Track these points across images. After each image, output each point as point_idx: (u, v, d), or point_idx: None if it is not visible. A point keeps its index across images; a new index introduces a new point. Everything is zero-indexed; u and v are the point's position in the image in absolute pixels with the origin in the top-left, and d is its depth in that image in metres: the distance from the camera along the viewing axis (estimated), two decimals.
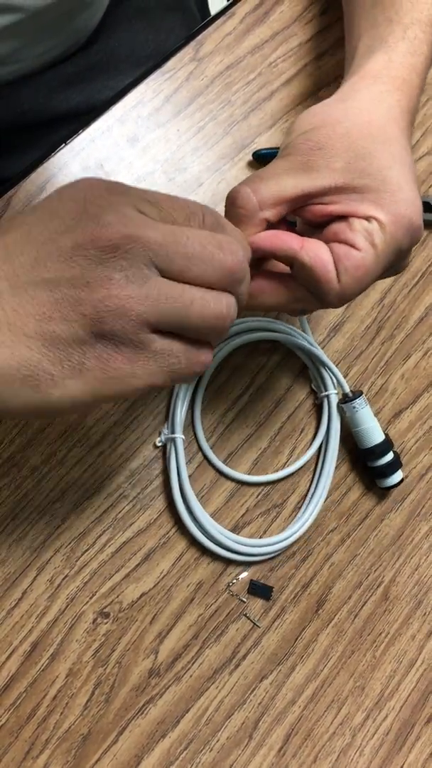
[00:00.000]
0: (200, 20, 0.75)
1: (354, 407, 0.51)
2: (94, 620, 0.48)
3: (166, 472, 0.50)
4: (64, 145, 0.53)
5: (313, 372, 0.53)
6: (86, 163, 0.54)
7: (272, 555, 0.51)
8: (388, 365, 0.56)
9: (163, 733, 0.48)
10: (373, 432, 0.51)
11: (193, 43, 0.58)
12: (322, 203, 0.38)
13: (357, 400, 0.51)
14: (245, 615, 0.50)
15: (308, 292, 0.38)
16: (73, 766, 0.46)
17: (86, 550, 0.49)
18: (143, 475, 0.50)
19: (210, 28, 0.58)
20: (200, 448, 0.51)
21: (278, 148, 0.43)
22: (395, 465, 0.52)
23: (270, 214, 0.38)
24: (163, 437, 0.50)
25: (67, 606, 0.48)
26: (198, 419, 0.51)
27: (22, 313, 0.31)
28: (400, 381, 0.56)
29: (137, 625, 0.48)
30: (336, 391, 0.53)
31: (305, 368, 0.54)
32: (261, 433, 0.53)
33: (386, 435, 0.52)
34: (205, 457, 0.51)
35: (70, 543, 0.49)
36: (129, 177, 0.54)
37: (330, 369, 0.53)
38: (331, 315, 0.55)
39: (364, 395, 0.52)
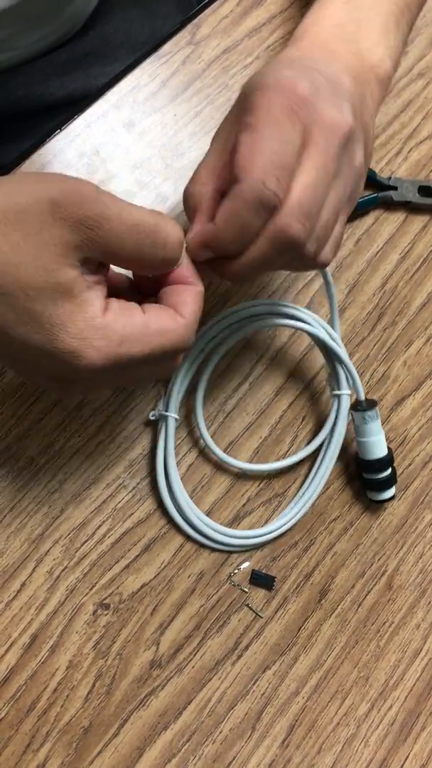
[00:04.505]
0: (196, 4, 0.74)
1: (365, 418, 0.49)
2: (95, 612, 0.47)
3: (153, 448, 0.49)
4: (59, 131, 0.53)
5: (329, 366, 0.50)
6: (82, 149, 0.53)
7: (253, 547, 0.50)
8: (390, 352, 0.55)
9: (165, 725, 0.47)
10: (377, 445, 0.49)
11: (189, 27, 0.57)
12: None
13: (369, 411, 0.48)
14: (247, 605, 0.49)
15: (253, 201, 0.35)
16: (74, 759, 0.46)
17: (85, 541, 0.48)
18: (143, 465, 0.50)
19: (206, 12, 0.58)
20: (201, 437, 0.49)
21: None
22: (391, 481, 0.50)
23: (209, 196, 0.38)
24: (157, 412, 0.48)
25: (66, 598, 0.47)
26: (200, 404, 0.48)
27: None
28: (402, 368, 0.55)
29: (138, 617, 0.48)
30: (350, 392, 0.49)
31: (308, 351, 0.53)
32: (262, 421, 0.52)
33: (389, 449, 0.50)
34: (205, 445, 0.50)
35: (69, 534, 0.48)
36: (125, 163, 0.53)
37: (347, 368, 0.49)
38: None
39: (377, 407, 0.49)
